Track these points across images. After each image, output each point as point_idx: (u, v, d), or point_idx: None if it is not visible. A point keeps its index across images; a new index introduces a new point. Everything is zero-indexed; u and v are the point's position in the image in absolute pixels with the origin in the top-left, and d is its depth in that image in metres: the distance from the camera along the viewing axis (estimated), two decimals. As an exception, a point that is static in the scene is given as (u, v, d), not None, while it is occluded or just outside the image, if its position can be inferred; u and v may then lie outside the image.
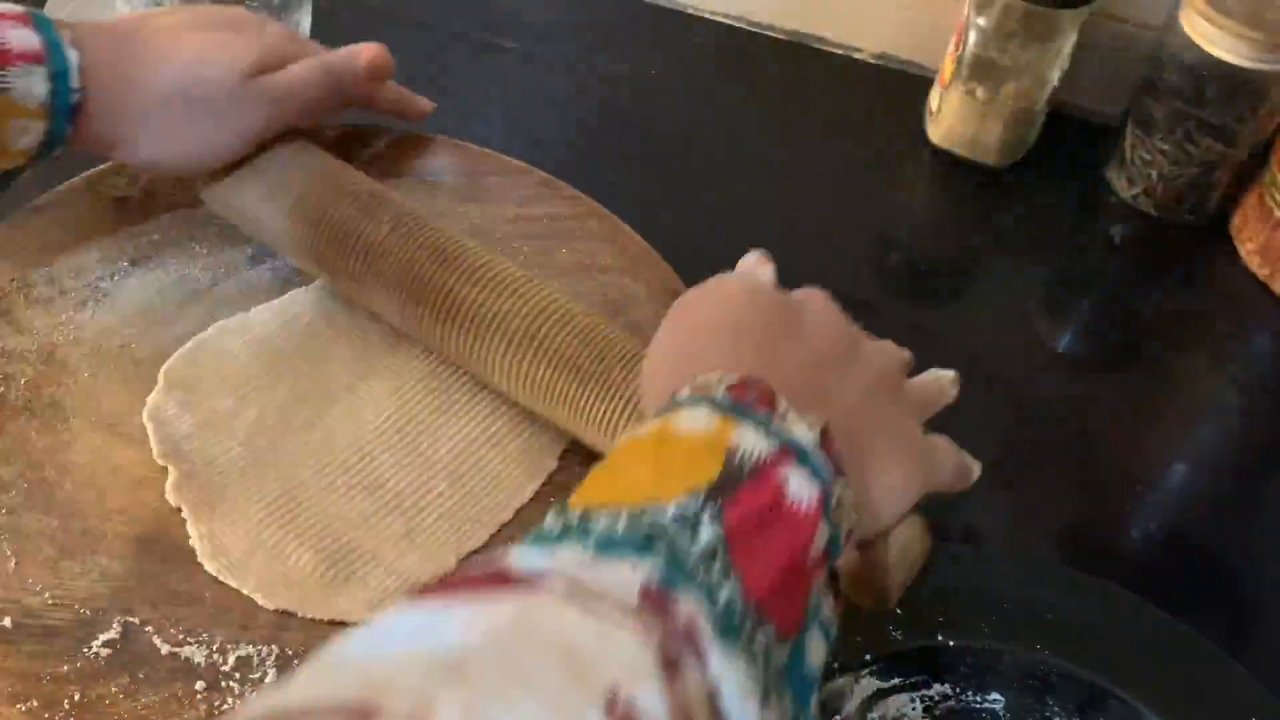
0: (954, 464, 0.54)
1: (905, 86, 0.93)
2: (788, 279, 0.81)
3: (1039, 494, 0.71)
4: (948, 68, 0.86)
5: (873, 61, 0.95)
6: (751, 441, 0.41)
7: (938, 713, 0.58)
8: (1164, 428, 0.78)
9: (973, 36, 0.84)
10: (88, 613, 0.53)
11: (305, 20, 0.78)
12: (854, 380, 0.50)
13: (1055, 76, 0.85)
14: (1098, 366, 0.80)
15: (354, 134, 0.73)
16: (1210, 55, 0.79)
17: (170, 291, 0.65)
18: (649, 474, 0.40)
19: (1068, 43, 0.83)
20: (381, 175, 0.70)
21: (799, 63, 0.95)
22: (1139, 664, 0.60)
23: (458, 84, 0.89)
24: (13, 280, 0.64)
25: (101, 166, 0.68)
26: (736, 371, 0.45)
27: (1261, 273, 0.84)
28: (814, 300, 0.54)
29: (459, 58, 0.91)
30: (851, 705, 0.58)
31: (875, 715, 0.58)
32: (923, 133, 0.90)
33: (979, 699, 0.59)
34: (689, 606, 0.35)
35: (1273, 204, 0.82)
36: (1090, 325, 0.83)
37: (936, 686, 0.59)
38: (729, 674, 0.35)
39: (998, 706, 0.59)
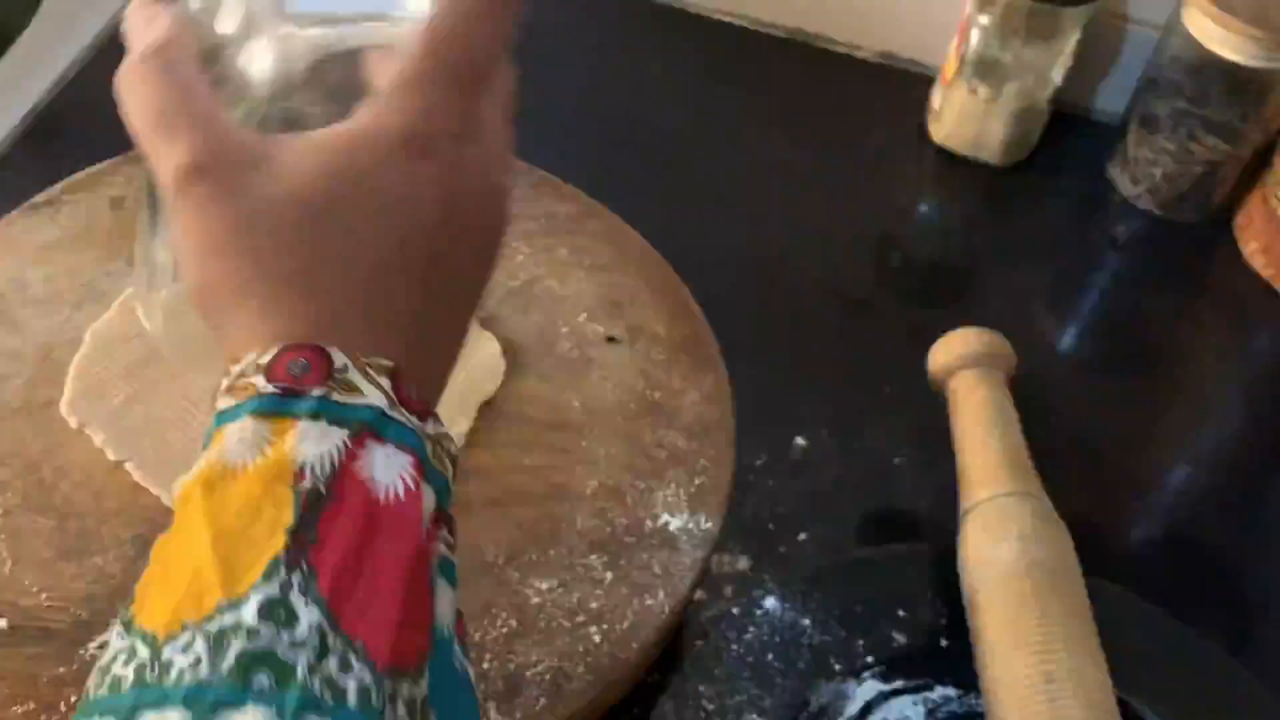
0: None
1: (907, 85, 0.93)
2: (789, 279, 0.81)
3: (1040, 494, 0.71)
4: (950, 66, 0.86)
5: (874, 60, 0.95)
6: (316, 446, 0.33)
7: (940, 715, 0.58)
8: (1166, 428, 0.77)
9: (975, 35, 0.83)
10: (85, 614, 0.53)
11: None
12: (414, 257, 0.38)
13: (1058, 75, 0.85)
14: (1100, 366, 0.80)
15: None
16: (1213, 54, 0.79)
17: (167, 292, 0.65)
18: (212, 556, 0.32)
19: (1071, 41, 0.83)
20: None
21: (800, 62, 0.94)
22: (1140, 664, 0.60)
23: (458, 83, 0.89)
24: (10, 280, 0.63)
25: (99, 165, 0.68)
26: (271, 319, 0.35)
27: (1265, 272, 0.83)
28: (290, 147, 0.38)
29: (459, 56, 0.91)
30: (854, 708, 0.57)
31: (877, 718, 0.57)
32: (925, 132, 0.90)
33: (981, 701, 0.59)
34: None
35: (1276, 203, 0.82)
36: (1093, 325, 0.83)
37: (939, 689, 0.58)
38: None
39: (1000, 709, 0.59)
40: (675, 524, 0.56)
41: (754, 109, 0.91)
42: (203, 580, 0.32)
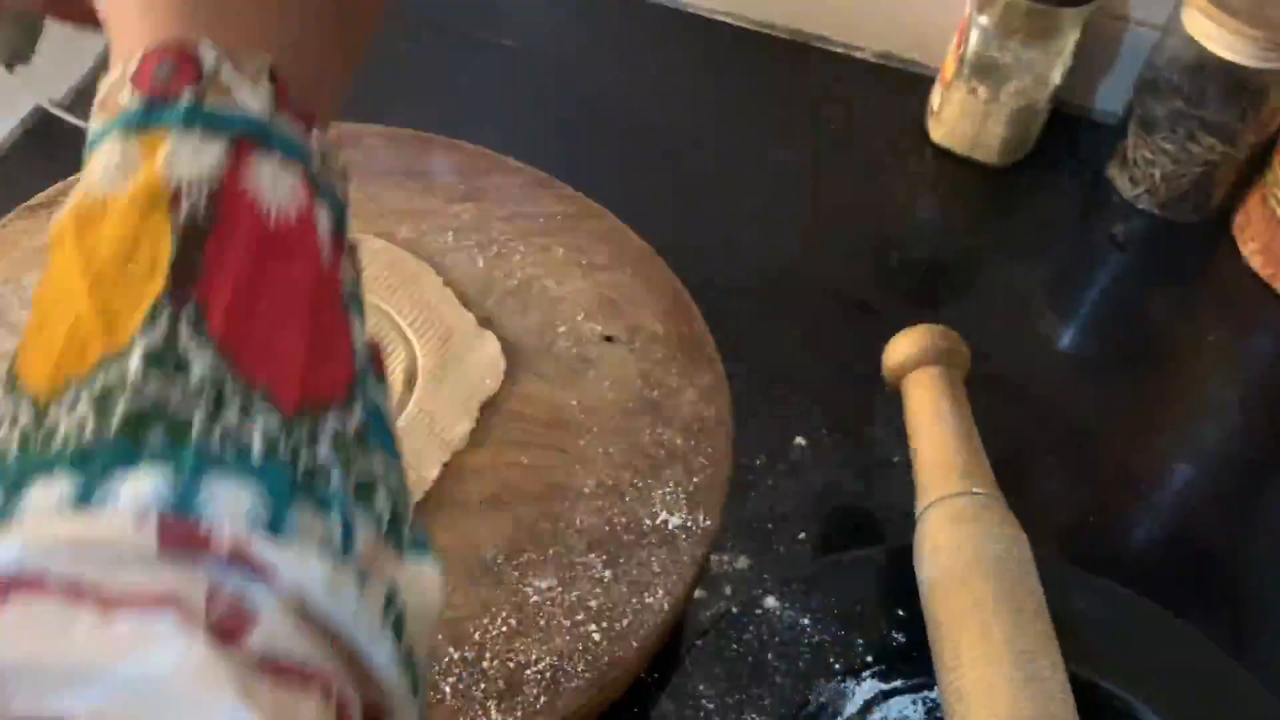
0: None
1: (907, 86, 0.93)
2: (788, 279, 0.81)
3: (1039, 494, 0.71)
4: (949, 67, 0.86)
5: (874, 61, 0.95)
6: (191, 163, 0.29)
7: (939, 714, 0.58)
8: (1165, 427, 0.77)
9: (974, 35, 0.83)
10: None
11: None
12: None
13: (1057, 75, 0.85)
14: (1099, 366, 0.80)
15: (346, 132, 0.72)
16: (1212, 54, 0.79)
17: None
18: (91, 303, 0.28)
19: (1070, 41, 0.83)
20: (374, 173, 0.69)
21: (799, 62, 0.94)
22: (1140, 664, 0.60)
23: (457, 83, 0.89)
24: (6, 281, 0.63)
25: None
26: (145, 20, 0.32)
27: (1264, 272, 0.83)
28: None
29: (459, 57, 0.91)
30: (853, 707, 0.57)
31: (876, 717, 0.57)
32: (924, 132, 0.90)
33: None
34: (221, 509, 0.26)
35: (1275, 203, 0.82)
36: (1092, 325, 0.83)
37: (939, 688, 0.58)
38: (304, 566, 0.26)
39: (999, 708, 0.59)
40: (674, 522, 0.56)
41: (753, 109, 0.91)
42: (82, 331, 0.28)
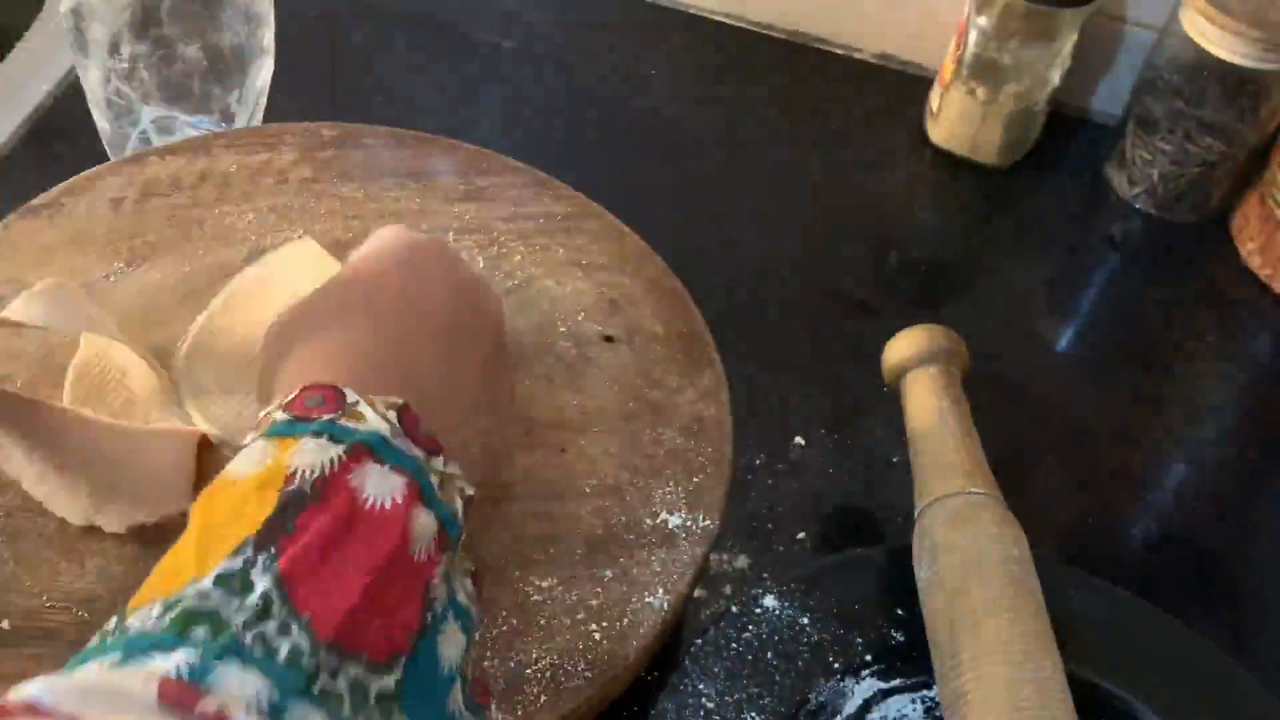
0: None
1: (906, 86, 0.93)
2: (788, 279, 0.81)
3: (1038, 494, 0.71)
4: (948, 68, 0.86)
5: (873, 61, 0.95)
6: (312, 457, 0.37)
7: (938, 714, 0.58)
8: (1164, 427, 0.78)
9: (973, 36, 0.83)
10: (87, 615, 0.53)
11: (268, 32, 0.77)
12: (438, 332, 0.45)
13: (1056, 76, 0.85)
14: (1098, 366, 0.80)
15: (347, 132, 0.72)
16: (1210, 54, 0.79)
17: (166, 293, 0.65)
18: (193, 548, 0.36)
19: (1068, 42, 0.83)
20: (375, 175, 0.70)
21: (799, 63, 0.95)
22: (1139, 664, 0.60)
23: (457, 83, 0.89)
24: (9, 281, 0.63)
25: (97, 168, 0.68)
26: (304, 378, 0.40)
27: (1262, 273, 0.83)
28: (385, 246, 0.49)
29: (459, 57, 0.91)
30: (852, 706, 0.57)
31: (876, 716, 0.58)
32: (923, 133, 0.90)
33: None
34: (228, 687, 0.31)
35: (1273, 204, 0.82)
36: (1091, 325, 0.83)
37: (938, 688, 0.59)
38: None
39: (999, 707, 0.59)
40: (674, 522, 0.56)
41: (754, 109, 0.91)
42: (179, 567, 0.35)
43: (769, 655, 0.58)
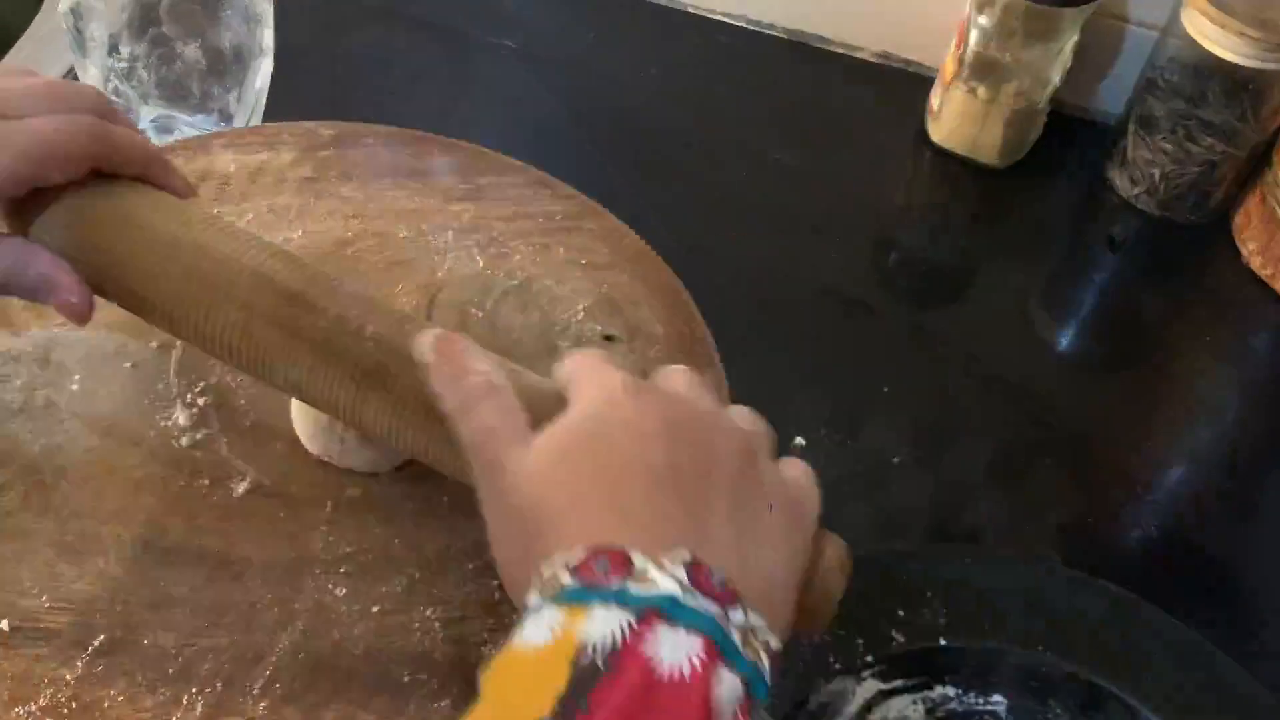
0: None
1: (906, 86, 0.93)
2: (788, 279, 0.81)
3: (1039, 494, 0.71)
4: (949, 67, 0.86)
5: (874, 61, 0.95)
6: (602, 627, 0.35)
7: (939, 714, 0.58)
8: (1164, 427, 0.78)
9: (974, 36, 0.83)
10: (86, 616, 0.53)
11: (268, 32, 0.77)
12: (719, 479, 0.42)
13: (1057, 76, 0.85)
14: (1098, 366, 0.80)
15: (346, 131, 0.72)
16: (1212, 54, 0.79)
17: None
18: (486, 714, 0.35)
19: (1069, 42, 0.83)
20: (375, 174, 0.70)
21: (799, 62, 0.94)
22: (1138, 664, 0.60)
23: (458, 83, 0.89)
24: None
25: None
26: (584, 531, 0.39)
27: (1263, 272, 0.83)
28: (671, 392, 0.46)
29: (459, 57, 0.91)
30: (853, 707, 0.57)
31: (877, 717, 0.58)
32: (924, 132, 0.90)
33: (981, 700, 0.59)
34: None
35: (1274, 203, 0.82)
36: (1091, 325, 0.83)
37: (938, 688, 0.59)
38: None
39: (1000, 708, 0.59)
40: None
41: (754, 109, 0.91)
42: None
43: (769, 656, 0.58)
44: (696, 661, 0.35)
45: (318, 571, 0.55)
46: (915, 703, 0.58)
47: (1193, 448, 0.77)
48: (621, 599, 0.36)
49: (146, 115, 0.76)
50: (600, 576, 0.37)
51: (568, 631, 0.36)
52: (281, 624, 0.54)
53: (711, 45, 0.95)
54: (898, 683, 0.58)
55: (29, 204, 0.54)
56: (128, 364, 0.62)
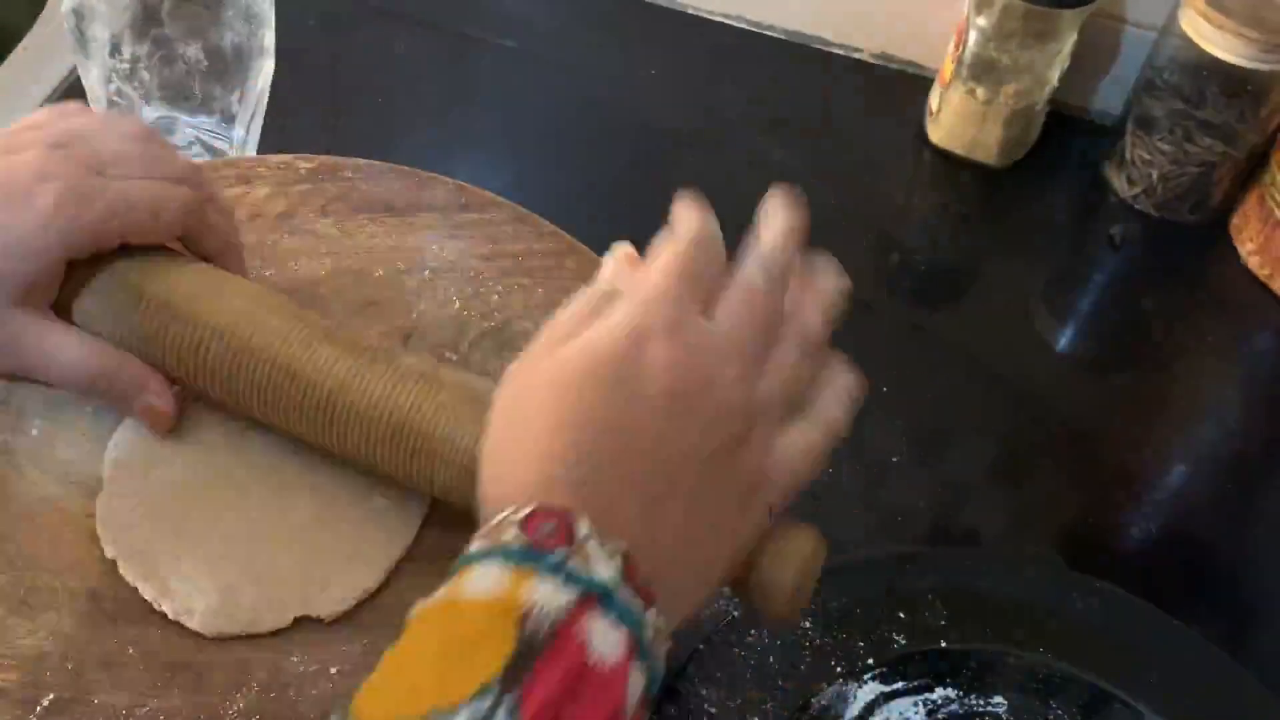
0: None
1: (905, 86, 0.93)
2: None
3: (1039, 494, 0.72)
4: (948, 68, 0.86)
5: (873, 61, 0.95)
6: (547, 597, 0.37)
7: (941, 716, 0.58)
8: (1164, 428, 0.78)
9: (973, 36, 0.83)
10: (37, 673, 0.51)
11: (268, 32, 0.77)
12: (687, 474, 0.43)
13: (1055, 76, 0.85)
14: (1097, 366, 0.80)
15: (325, 165, 0.71)
16: (1210, 55, 0.79)
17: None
18: (433, 670, 0.36)
19: (1068, 43, 0.83)
20: (352, 210, 0.68)
21: (799, 63, 0.94)
22: (1140, 665, 0.60)
23: (458, 83, 0.89)
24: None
25: None
26: (541, 485, 0.41)
27: (1261, 273, 0.84)
28: (710, 338, 0.45)
29: (459, 57, 0.91)
30: (854, 710, 0.58)
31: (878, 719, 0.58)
32: (923, 133, 0.90)
33: (982, 702, 0.59)
34: None
35: (1273, 204, 0.82)
36: (1090, 325, 0.83)
37: (939, 690, 0.59)
38: None
39: (1001, 710, 0.59)
40: None
41: (754, 109, 0.91)
42: (421, 688, 0.36)
43: (771, 660, 0.58)
44: (620, 654, 0.37)
45: (274, 631, 0.53)
46: (916, 705, 0.58)
47: (1193, 448, 0.77)
48: (564, 574, 0.38)
49: (148, 116, 0.76)
50: (545, 539, 0.38)
51: (513, 594, 0.37)
52: (236, 684, 0.52)
53: (711, 46, 0.95)
54: (899, 685, 0.59)
55: (84, 266, 0.54)
56: (89, 410, 0.60)
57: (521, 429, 0.43)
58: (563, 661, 0.36)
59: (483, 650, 0.36)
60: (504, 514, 0.40)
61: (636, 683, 0.38)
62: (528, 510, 0.39)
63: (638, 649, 0.38)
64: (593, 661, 0.37)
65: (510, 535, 0.39)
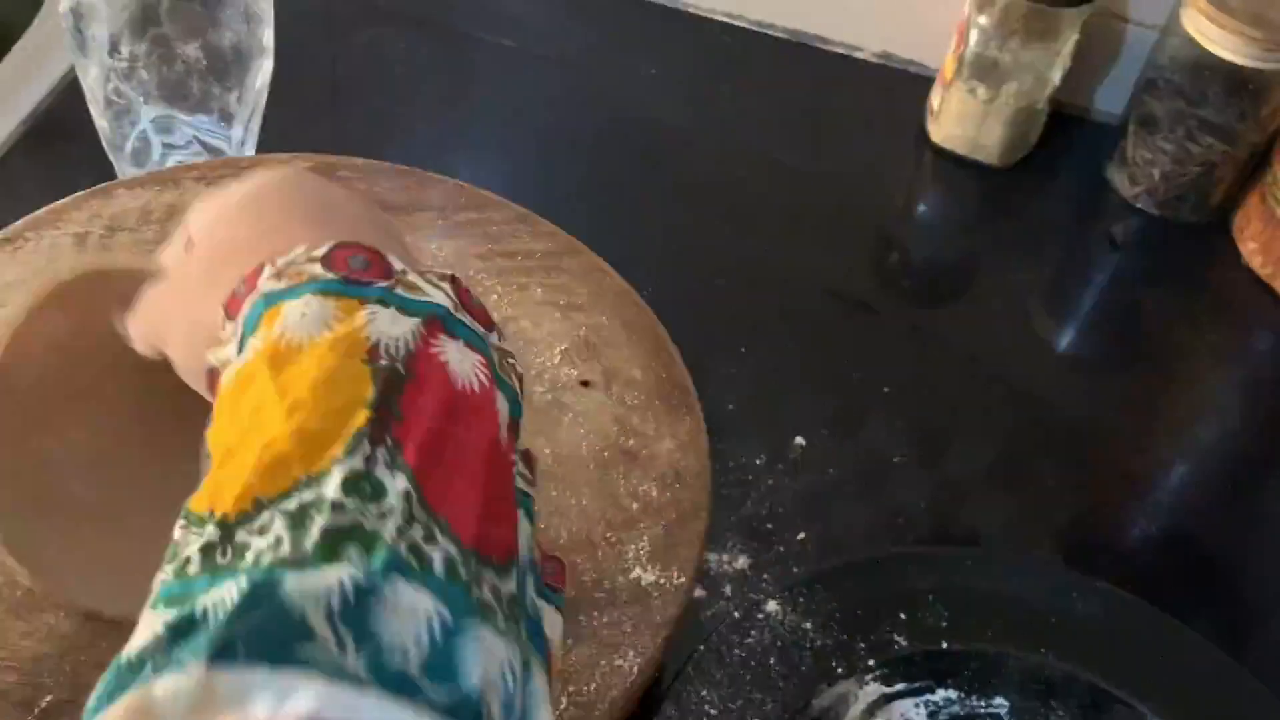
0: None
1: (906, 86, 0.93)
2: (788, 279, 0.81)
3: (1039, 494, 0.71)
4: (949, 67, 0.86)
5: (874, 61, 0.95)
6: (391, 328, 0.33)
7: (942, 717, 0.58)
8: (1164, 428, 0.78)
9: (974, 35, 0.83)
10: (35, 675, 0.51)
11: (268, 31, 0.77)
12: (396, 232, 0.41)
13: (1057, 76, 0.85)
14: (1098, 366, 0.80)
15: (321, 165, 0.70)
16: (1211, 54, 0.79)
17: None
18: (284, 431, 0.31)
19: (1069, 42, 0.83)
20: None
21: (799, 62, 0.94)
22: (1140, 665, 0.60)
23: (458, 83, 0.89)
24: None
25: (61, 201, 0.65)
26: (310, 233, 0.36)
27: (1263, 272, 0.83)
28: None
29: (459, 57, 0.91)
30: (856, 711, 0.58)
31: (878, 720, 0.58)
32: (924, 132, 0.90)
33: (983, 703, 0.59)
34: (408, 600, 0.28)
35: (1274, 203, 0.82)
36: (1091, 325, 0.83)
37: (941, 691, 0.59)
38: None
39: (1002, 711, 0.59)
40: (647, 579, 0.53)
41: (754, 109, 0.91)
42: (277, 456, 0.30)
43: (771, 661, 0.58)
44: (482, 376, 0.34)
45: None
46: (918, 706, 0.58)
47: (1193, 447, 0.77)
48: (401, 303, 0.34)
49: (147, 115, 0.76)
50: (358, 272, 0.34)
51: (349, 327, 0.32)
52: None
53: (711, 45, 0.95)
54: (900, 686, 0.58)
55: None
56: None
57: (242, 228, 0.39)
58: (429, 390, 0.32)
59: (339, 395, 0.31)
60: (291, 256, 0.35)
61: (503, 407, 0.34)
62: (323, 250, 0.35)
63: (493, 373, 0.35)
64: (459, 386, 0.33)
65: (316, 270, 0.34)
